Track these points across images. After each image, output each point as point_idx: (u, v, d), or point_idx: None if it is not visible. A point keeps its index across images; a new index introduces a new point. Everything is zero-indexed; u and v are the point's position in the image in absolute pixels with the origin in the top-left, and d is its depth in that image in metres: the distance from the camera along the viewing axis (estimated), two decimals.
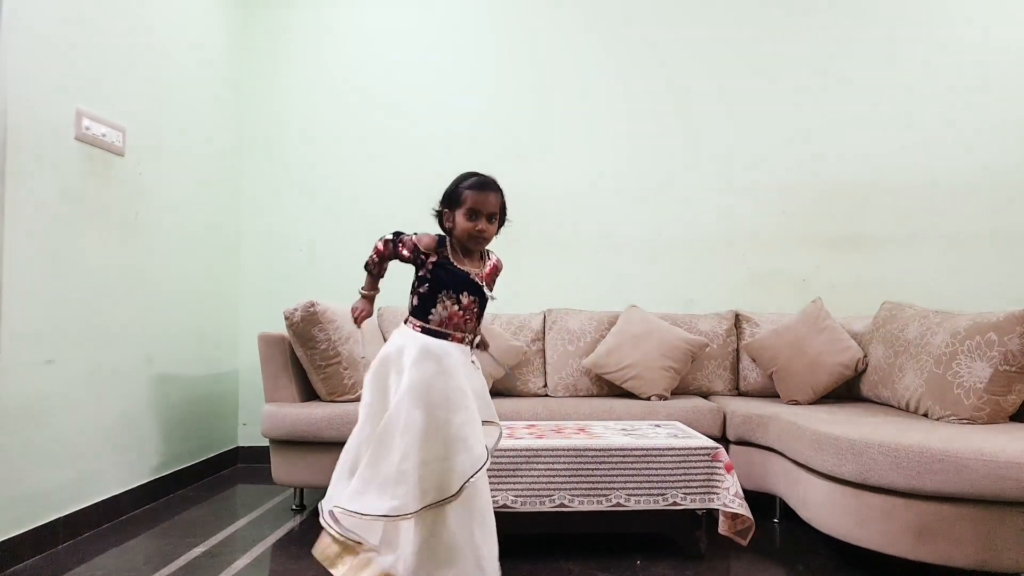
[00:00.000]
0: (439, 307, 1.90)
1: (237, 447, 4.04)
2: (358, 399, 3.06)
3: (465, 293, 1.91)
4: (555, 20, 4.11)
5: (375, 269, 2.04)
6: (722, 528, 2.41)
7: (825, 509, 2.37)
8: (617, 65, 4.09)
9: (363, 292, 2.07)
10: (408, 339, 1.90)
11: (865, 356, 3.20)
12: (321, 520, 1.84)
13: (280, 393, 3.09)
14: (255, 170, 4.12)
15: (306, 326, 2.99)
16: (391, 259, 2.00)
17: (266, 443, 3.11)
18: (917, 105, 3.99)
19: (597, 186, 4.05)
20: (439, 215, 1.98)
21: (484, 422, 1.92)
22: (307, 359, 3.06)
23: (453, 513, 1.80)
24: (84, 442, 2.75)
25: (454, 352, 1.89)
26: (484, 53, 4.13)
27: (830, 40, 4.03)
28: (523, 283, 3.93)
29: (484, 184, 1.93)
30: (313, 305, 3.00)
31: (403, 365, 1.85)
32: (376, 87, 4.12)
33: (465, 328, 1.93)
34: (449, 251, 1.93)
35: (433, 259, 1.92)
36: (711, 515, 2.49)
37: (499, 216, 1.96)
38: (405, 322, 1.96)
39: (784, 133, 4.03)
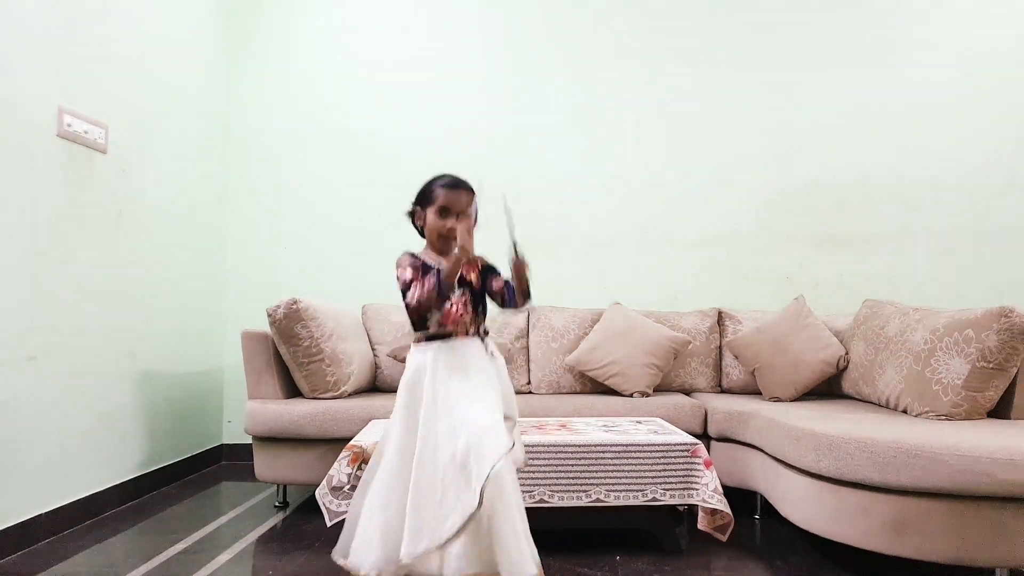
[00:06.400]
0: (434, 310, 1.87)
1: (222, 444, 4.03)
2: (340, 396, 3.10)
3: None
4: (544, 22, 4.12)
5: (446, 290, 1.84)
6: (701, 524, 2.42)
7: (803, 505, 2.39)
8: (598, 65, 4.10)
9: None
10: (422, 360, 1.86)
11: (846, 353, 3.22)
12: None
13: (263, 390, 3.09)
14: (239, 168, 4.11)
15: (289, 323, 2.99)
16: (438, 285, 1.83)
17: (251, 441, 3.10)
18: (901, 102, 4.01)
19: (580, 184, 4.06)
20: (411, 214, 1.99)
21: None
22: (290, 356, 3.05)
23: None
24: (66, 438, 2.74)
25: (469, 351, 1.88)
26: (469, 57, 4.13)
27: (813, 36, 4.06)
28: None
29: (456, 183, 1.93)
30: (296, 302, 3.00)
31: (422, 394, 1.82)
32: (362, 86, 4.11)
33: (466, 320, 1.91)
34: (424, 256, 1.94)
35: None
36: (692, 511, 2.51)
37: (472, 217, 1.94)
38: (414, 344, 1.93)
39: (767, 130, 4.05)
